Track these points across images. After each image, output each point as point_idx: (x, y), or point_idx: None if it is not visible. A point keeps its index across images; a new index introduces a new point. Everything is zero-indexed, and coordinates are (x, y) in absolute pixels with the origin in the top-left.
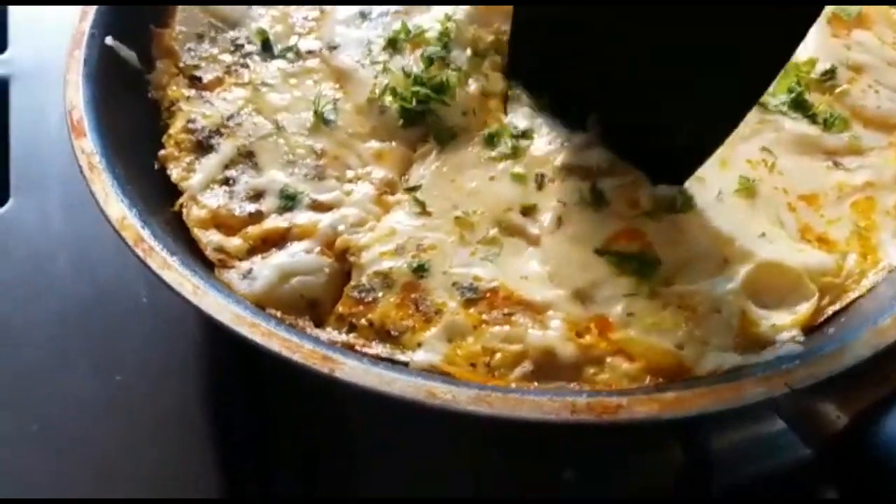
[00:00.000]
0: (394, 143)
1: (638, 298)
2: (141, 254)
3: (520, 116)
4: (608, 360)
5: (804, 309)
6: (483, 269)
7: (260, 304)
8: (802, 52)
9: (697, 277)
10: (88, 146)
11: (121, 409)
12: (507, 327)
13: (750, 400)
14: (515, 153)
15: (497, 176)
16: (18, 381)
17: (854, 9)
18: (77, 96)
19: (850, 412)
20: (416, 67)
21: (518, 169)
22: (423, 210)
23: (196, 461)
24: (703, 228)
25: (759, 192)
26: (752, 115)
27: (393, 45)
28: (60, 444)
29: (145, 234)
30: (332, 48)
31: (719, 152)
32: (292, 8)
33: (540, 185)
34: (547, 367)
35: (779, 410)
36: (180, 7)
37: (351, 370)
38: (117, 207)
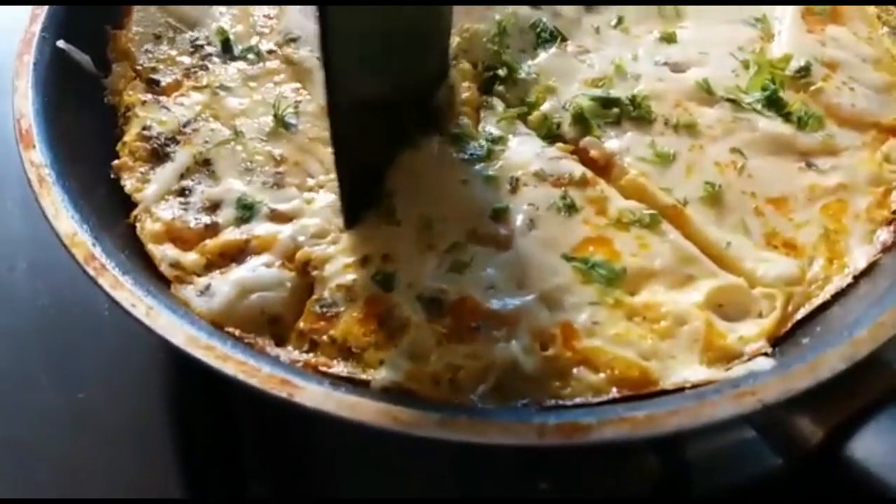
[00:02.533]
0: None
1: (602, 308)
2: (92, 272)
3: (493, 124)
4: (573, 371)
5: (769, 320)
6: (450, 281)
7: (218, 322)
8: (777, 48)
9: (662, 290)
10: (38, 158)
11: (85, 426)
12: (472, 343)
13: (723, 417)
14: (489, 156)
15: (469, 179)
16: None
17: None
18: (26, 104)
19: (824, 427)
20: None
21: (491, 172)
22: (392, 218)
23: (162, 477)
24: (670, 244)
25: (726, 198)
26: (726, 114)
27: None
28: (23, 462)
29: (96, 251)
30: (292, 40)
31: (686, 157)
32: (253, 6)
33: (514, 189)
34: (511, 382)
35: (752, 423)
36: (136, 7)
37: (310, 394)
38: (67, 224)
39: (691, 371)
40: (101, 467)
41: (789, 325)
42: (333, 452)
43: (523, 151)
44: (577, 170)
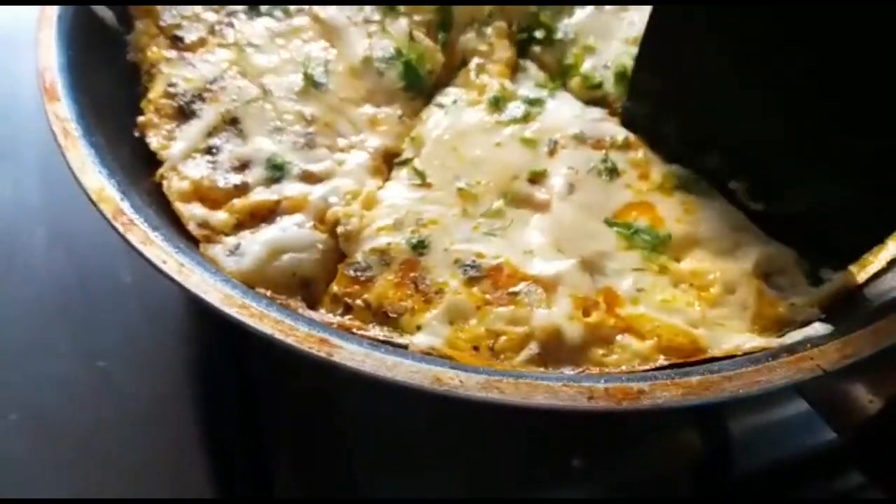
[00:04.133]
0: (391, 109)
1: (647, 274)
2: (120, 228)
3: (528, 87)
4: (618, 338)
5: (824, 287)
6: (486, 244)
7: (248, 282)
8: None
9: (708, 257)
10: (63, 111)
11: (104, 396)
12: (511, 307)
13: (781, 383)
14: (526, 118)
15: (504, 142)
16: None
17: None
18: (50, 57)
19: (883, 395)
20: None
21: (528, 134)
22: (423, 182)
23: (185, 449)
24: (716, 210)
25: None
26: None
27: (389, 4)
28: (41, 433)
29: (125, 206)
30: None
31: None
32: None
33: (552, 152)
34: (554, 349)
35: (805, 394)
36: None
37: (350, 354)
38: (95, 178)
39: (743, 338)
40: (122, 438)
41: (843, 294)
42: (361, 449)
43: (562, 113)
44: (620, 132)
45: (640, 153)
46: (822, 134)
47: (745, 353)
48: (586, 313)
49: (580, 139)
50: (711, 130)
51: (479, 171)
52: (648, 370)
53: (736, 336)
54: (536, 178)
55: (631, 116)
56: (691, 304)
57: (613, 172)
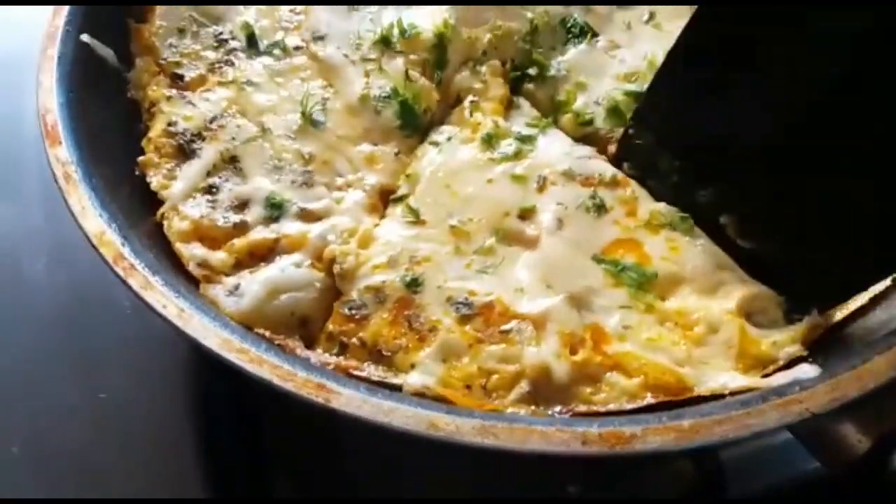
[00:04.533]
0: (387, 146)
1: (634, 311)
2: (121, 273)
3: (521, 124)
4: (606, 376)
5: (804, 324)
6: (478, 282)
7: (247, 322)
8: None
9: (693, 296)
10: (64, 155)
11: (107, 426)
12: (502, 345)
13: (770, 426)
14: (517, 156)
15: (495, 179)
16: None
17: None
18: (51, 99)
19: (871, 435)
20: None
21: (519, 171)
22: (417, 219)
23: (187, 478)
24: (700, 248)
25: None
26: None
27: (386, 43)
28: (43, 465)
29: (125, 250)
30: (318, 38)
31: None
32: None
33: (541, 188)
34: (544, 387)
35: (795, 433)
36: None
37: (347, 400)
38: (95, 222)
39: (728, 377)
40: (122, 467)
41: (825, 329)
42: (358, 453)
43: (552, 150)
44: (608, 170)
45: (629, 191)
46: (814, 189)
47: (731, 393)
48: (573, 351)
49: (569, 176)
50: (711, 164)
51: (471, 208)
52: (637, 409)
53: (721, 375)
54: (526, 214)
55: (628, 146)
56: (677, 343)
57: (601, 209)
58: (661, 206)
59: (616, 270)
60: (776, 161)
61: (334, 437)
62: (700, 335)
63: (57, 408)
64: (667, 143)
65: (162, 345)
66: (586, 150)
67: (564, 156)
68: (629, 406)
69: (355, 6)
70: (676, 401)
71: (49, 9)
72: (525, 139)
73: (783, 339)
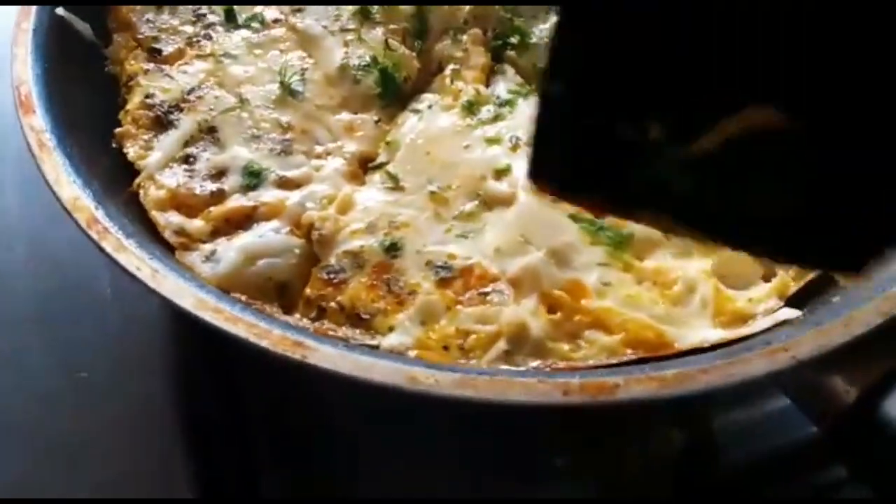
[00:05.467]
0: (367, 115)
1: (613, 269)
2: (95, 236)
3: (502, 89)
4: (586, 333)
5: (778, 279)
6: (458, 246)
7: (224, 288)
8: None
9: (669, 257)
10: (38, 123)
11: (87, 408)
12: (481, 307)
13: (756, 375)
14: (495, 119)
15: (472, 144)
16: None
17: None
18: (25, 70)
19: (858, 386)
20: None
21: (492, 133)
22: (396, 185)
23: (169, 459)
24: None
25: None
26: None
27: (365, 14)
28: (24, 445)
29: (99, 214)
30: (297, 11)
31: None
32: None
33: (514, 147)
34: (521, 345)
35: (782, 385)
36: None
37: (324, 356)
38: (69, 188)
39: (708, 332)
40: (103, 451)
41: (803, 282)
42: (349, 447)
43: (526, 111)
44: None
45: None
46: None
47: (711, 346)
48: (551, 310)
49: None
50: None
51: (450, 174)
52: (618, 364)
53: (701, 330)
54: (501, 174)
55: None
56: (655, 302)
57: None
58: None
59: (593, 229)
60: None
61: (320, 414)
62: (678, 294)
63: (39, 388)
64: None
65: (143, 327)
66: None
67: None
68: (609, 361)
69: None
70: (659, 356)
71: None
72: (505, 103)
73: (759, 295)
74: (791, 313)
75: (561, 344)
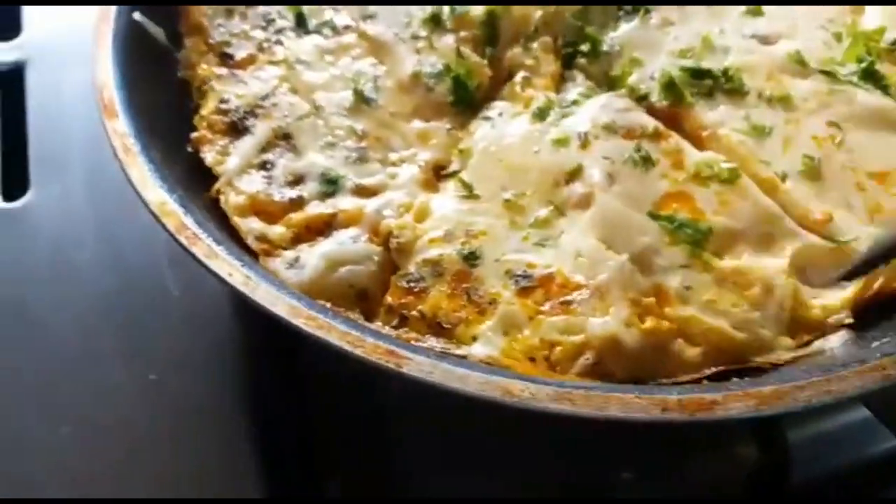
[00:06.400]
0: (440, 123)
1: (693, 271)
2: (185, 242)
3: (572, 92)
4: (673, 345)
5: (851, 288)
6: (536, 254)
7: (308, 294)
8: (869, 21)
9: (747, 253)
10: (122, 127)
11: (156, 409)
12: (564, 317)
13: (853, 392)
14: (562, 119)
15: (541, 148)
16: (48, 381)
17: None
18: (107, 74)
19: None
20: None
21: (556, 133)
22: (471, 193)
23: (237, 462)
24: (752, 201)
25: (825, 171)
26: (821, 86)
27: (436, 21)
28: (93, 447)
29: (188, 220)
30: (368, 17)
31: (781, 130)
32: None
33: (584, 144)
34: (611, 359)
35: (869, 404)
36: None
37: (418, 365)
38: (157, 193)
39: (782, 347)
40: (174, 451)
41: (873, 291)
42: (408, 444)
43: (590, 106)
44: (649, 122)
45: (672, 142)
46: None
47: (785, 363)
48: (642, 319)
49: (610, 129)
50: None
51: (523, 180)
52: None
53: (774, 342)
54: (574, 174)
55: None
56: (736, 305)
57: (648, 162)
58: (708, 154)
59: (672, 227)
60: None
61: (385, 426)
62: (756, 296)
63: (109, 389)
64: None
65: (211, 328)
66: (624, 101)
67: (602, 109)
68: (688, 378)
69: None
70: (741, 369)
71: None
72: (572, 103)
73: (833, 304)
74: (837, 340)
75: (650, 357)
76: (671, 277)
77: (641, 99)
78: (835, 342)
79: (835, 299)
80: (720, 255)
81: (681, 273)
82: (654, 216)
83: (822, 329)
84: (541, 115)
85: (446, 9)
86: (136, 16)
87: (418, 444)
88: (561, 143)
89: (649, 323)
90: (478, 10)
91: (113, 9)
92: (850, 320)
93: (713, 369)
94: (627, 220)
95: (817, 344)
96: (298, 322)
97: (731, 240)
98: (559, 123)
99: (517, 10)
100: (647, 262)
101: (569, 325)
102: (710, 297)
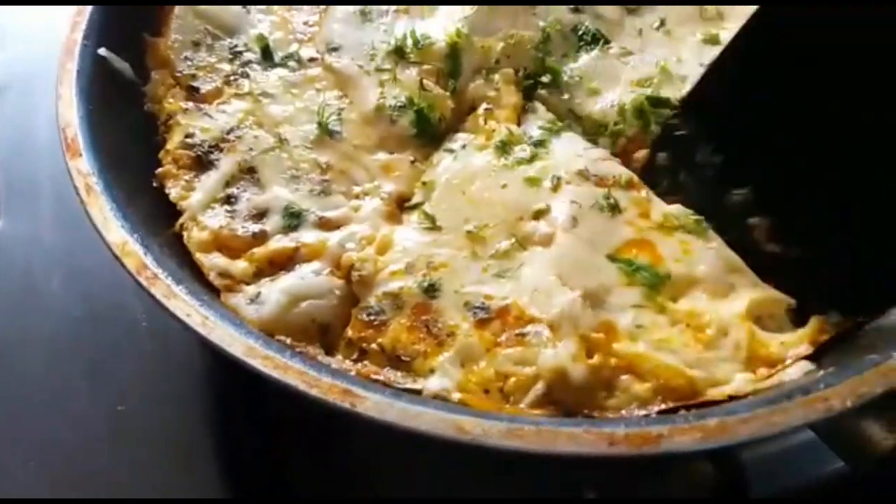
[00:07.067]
0: (403, 154)
1: (647, 311)
2: (144, 282)
3: (534, 128)
4: (620, 379)
5: (810, 325)
6: (495, 286)
7: (268, 330)
8: None
9: (703, 298)
10: (84, 167)
11: (125, 441)
12: (519, 348)
13: (796, 424)
14: (532, 160)
15: (509, 183)
16: (17, 413)
17: None
18: (71, 112)
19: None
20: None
21: (532, 173)
22: (433, 225)
23: (206, 489)
24: (715, 252)
25: None
26: None
27: (400, 53)
28: (63, 481)
29: (148, 260)
30: (333, 49)
31: None
32: (292, 13)
33: (555, 188)
34: (559, 391)
35: (818, 431)
36: (175, 13)
37: (373, 405)
38: (118, 233)
39: (738, 381)
40: (141, 480)
41: (835, 330)
42: (380, 466)
43: (566, 152)
44: (623, 172)
45: (643, 192)
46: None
47: (743, 396)
48: (589, 354)
49: (584, 175)
50: (755, 161)
51: (486, 213)
52: (659, 412)
53: (729, 378)
54: (540, 214)
55: (668, 136)
56: (688, 345)
57: (615, 209)
58: (675, 208)
59: (630, 270)
60: (826, 161)
61: (354, 449)
62: (711, 337)
63: (77, 422)
64: (711, 135)
65: (178, 358)
66: (600, 151)
67: (578, 157)
68: (641, 412)
69: (367, 16)
70: (689, 404)
71: (64, 23)
72: (539, 143)
73: (791, 340)
74: (801, 369)
75: (598, 391)
76: (622, 316)
77: (601, 126)
78: (794, 374)
79: (793, 336)
80: (677, 299)
81: (633, 312)
82: (612, 259)
83: (781, 363)
84: (503, 148)
85: (410, 41)
86: (102, 51)
87: (390, 473)
88: (533, 182)
89: (596, 358)
90: (441, 43)
91: (77, 44)
92: (809, 351)
93: (667, 405)
94: (585, 260)
95: (776, 377)
96: (255, 363)
97: (689, 286)
98: (531, 164)
99: (479, 42)
100: (599, 299)
101: (522, 356)
102: (662, 336)
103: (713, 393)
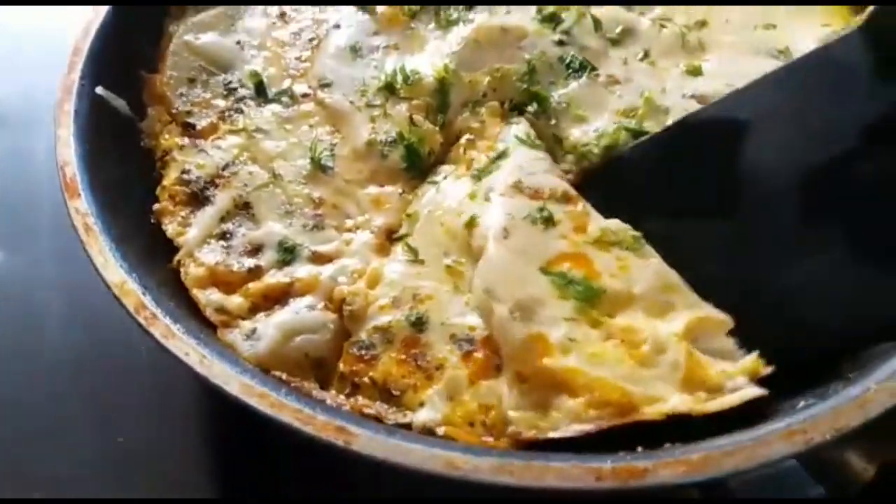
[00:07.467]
0: (393, 188)
1: (580, 325)
2: (143, 322)
3: (510, 135)
4: (554, 401)
5: (749, 360)
6: (476, 317)
7: (264, 366)
8: None
9: (641, 316)
10: (83, 207)
11: (125, 472)
12: (492, 380)
13: (778, 457)
14: (480, 177)
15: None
16: (18, 443)
17: None
18: (68, 152)
19: (876, 462)
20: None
21: (472, 189)
22: (416, 258)
23: None
24: (653, 269)
25: None
26: None
27: (390, 89)
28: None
29: (147, 300)
30: (325, 85)
31: None
32: (285, 48)
33: (486, 198)
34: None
35: (801, 461)
36: (170, 50)
37: (366, 442)
38: (116, 273)
39: (677, 399)
40: None
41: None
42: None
43: (506, 165)
44: (559, 185)
45: (580, 206)
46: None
47: (679, 414)
48: (522, 379)
49: (518, 188)
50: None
51: (459, 244)
52: (589, 435)
53: (668, 397)
54: (470, 227)
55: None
56: (622, 360)
57: (549, 222)
58: (613, 223)
59: (563, 283)
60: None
61: (353, 483)
62: (646, 354)
63: (78, 453)
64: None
65: (178, 389)
66: (542, 164)
67: (517, 169)
68: (576, 428)
69: (358, 52)
70: (627, 424)
71: (60, 52)
72: (501, 155)
73: (731, 371)
74: (758, 392)
75: (535, 414)
76: (554, 329)
77: (583, 156)
78: (734, 402)
79: (733, 367)
80: (613, 315)
81: (565, 325)
82: (545, 271)
83: (720, 391)
84: (479, 176)
85: (400, 77)
86: (99, 90)
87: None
88: (472, 197)
89: (528, 384)
90: (429, 79)
91: (75, 84)
92: (747, 385)
93: (604, 420)
94: (514, 272)
95: (717, 403)
96: (251, 401)
97: (626, 302)
98: (481, 180)
99: (467, 77)
100: (530, 312)
101: (491, 387)
102: (595, 350)
103: (650, 411)
